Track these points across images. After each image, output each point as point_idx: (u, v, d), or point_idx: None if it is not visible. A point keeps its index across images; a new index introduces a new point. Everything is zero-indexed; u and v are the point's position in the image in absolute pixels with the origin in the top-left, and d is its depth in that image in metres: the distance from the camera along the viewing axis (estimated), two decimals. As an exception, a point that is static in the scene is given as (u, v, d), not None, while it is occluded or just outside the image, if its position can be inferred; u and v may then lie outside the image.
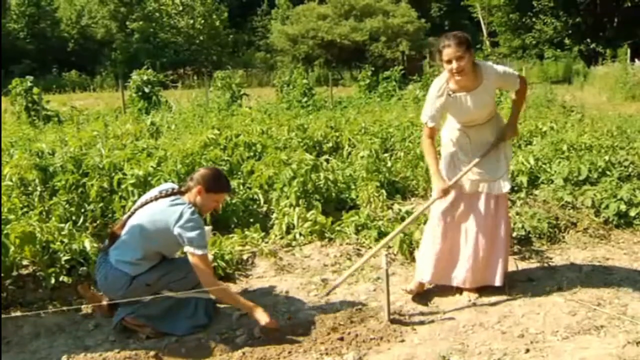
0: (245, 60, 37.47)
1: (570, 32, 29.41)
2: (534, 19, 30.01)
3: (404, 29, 31.72)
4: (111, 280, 3.27)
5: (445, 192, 3.47)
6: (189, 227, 3.17)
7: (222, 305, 3.58)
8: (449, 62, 3.32)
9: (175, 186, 3.48)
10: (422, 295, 3.72)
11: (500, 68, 3.50)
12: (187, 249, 3.19)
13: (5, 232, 3.66)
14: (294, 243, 4.64)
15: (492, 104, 3.56)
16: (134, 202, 4.64)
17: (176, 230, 3.19)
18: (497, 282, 3.66)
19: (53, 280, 3.70)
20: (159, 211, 3.26)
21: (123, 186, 4.74)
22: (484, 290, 3.69)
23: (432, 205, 3.67)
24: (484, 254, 3.62)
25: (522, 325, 3.28)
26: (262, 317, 3.20)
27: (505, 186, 3.62)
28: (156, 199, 3.33)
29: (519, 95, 3.64)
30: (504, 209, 3.69)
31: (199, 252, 3.18)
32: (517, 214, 4.82)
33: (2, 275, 3.58)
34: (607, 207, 4.96)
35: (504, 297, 3.64)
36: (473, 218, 3.61)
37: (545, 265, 4.22)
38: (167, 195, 3.34)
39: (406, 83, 16.34)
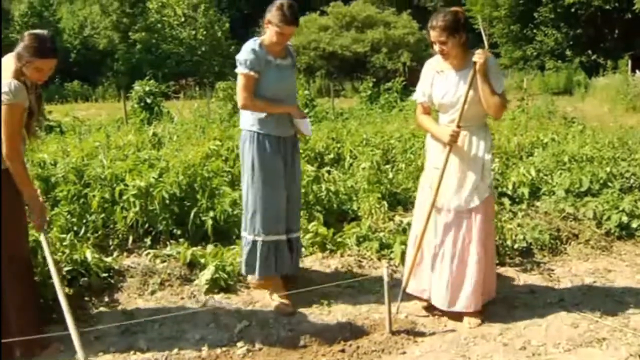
0: (247, 71, 37.50)
1: (571, 43, 29.55)
2: (535, 31, 30.17)
3: (405, 40, 31.84)
4: None
5: (456, 134, 3.28)
6: None
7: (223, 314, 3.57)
8: (434, 43, 3.36)
9: None
10: (424, 307, 3.71)
11: (493, 60, 3.46)
12: None
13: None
14: (295, 254, 4.63)
15: (478, 95, 3.32)
16: (136, 213, 4.66)
17: None
18: (466, 307, 3.40)
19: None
20: None
21: (125, 197, 4.74)
22: (486, 311, 3.55)
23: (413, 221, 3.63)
24: (455, 275, 3.41)
25: (524, 337, 3.27)
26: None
27: (474, 201, 3.36)
28: None
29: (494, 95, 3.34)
30: (480, 225, 3.38)
31: None
32: (519, 225, 4.81)
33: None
34: (609, 218, 4.95)
35: (506, 309, 3.64)
36: (442, 236, 3.43)
37: (547, 277, 4.21)
38: None
39: (407, 94, 16.34)
